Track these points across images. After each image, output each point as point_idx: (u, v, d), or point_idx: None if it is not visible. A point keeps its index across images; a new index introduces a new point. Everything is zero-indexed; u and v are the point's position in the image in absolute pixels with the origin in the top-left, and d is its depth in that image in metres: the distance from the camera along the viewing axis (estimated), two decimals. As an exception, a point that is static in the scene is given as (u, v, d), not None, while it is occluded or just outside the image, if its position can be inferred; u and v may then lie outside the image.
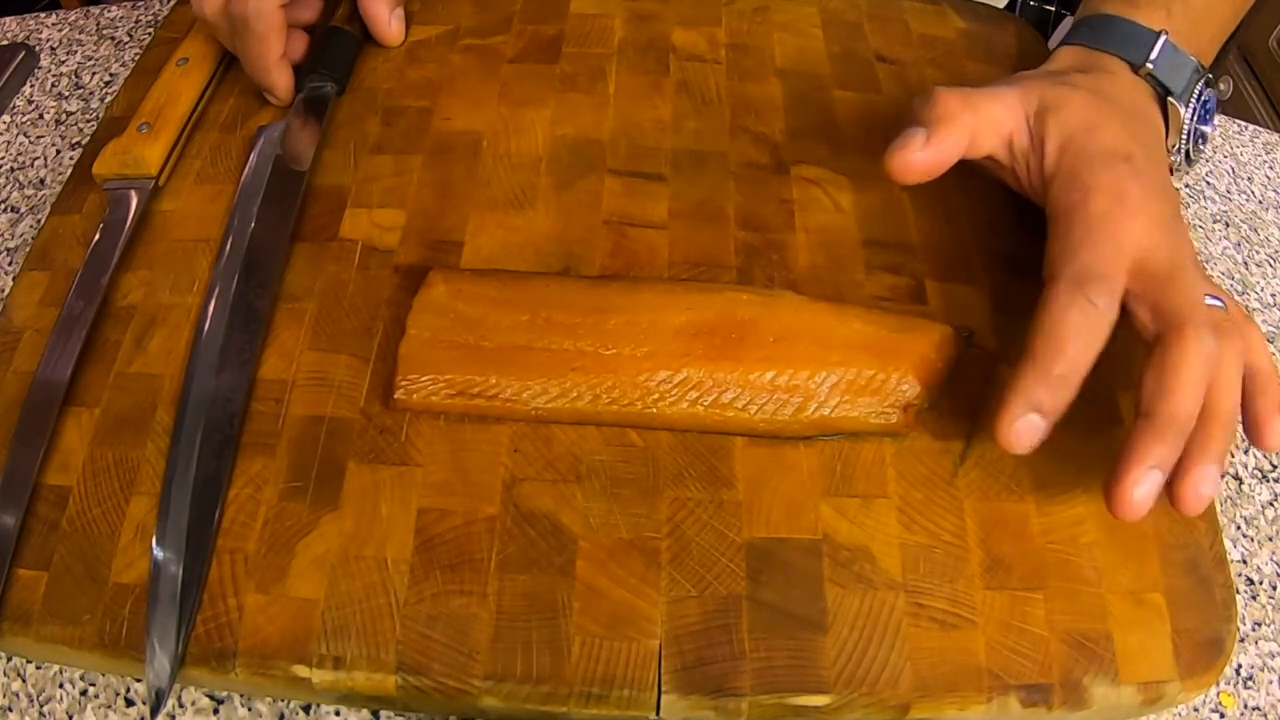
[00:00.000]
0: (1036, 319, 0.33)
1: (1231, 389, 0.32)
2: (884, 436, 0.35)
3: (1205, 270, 0.36)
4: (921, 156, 0.36)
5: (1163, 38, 0.40)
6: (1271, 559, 0.40)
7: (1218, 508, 0.35)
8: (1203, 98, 0.41)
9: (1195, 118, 0.41)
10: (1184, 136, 0.41)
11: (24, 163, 0.50)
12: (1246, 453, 0.42)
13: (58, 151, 0.50)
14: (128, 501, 0.33)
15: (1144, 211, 0.34)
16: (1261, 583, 0.39)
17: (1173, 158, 0.41)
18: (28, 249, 0.41)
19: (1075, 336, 0.32)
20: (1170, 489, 0.31)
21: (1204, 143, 0.42)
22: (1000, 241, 0.40)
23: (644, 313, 0.36)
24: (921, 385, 0.35)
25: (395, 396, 0.34)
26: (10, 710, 0.34)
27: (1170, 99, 0.40)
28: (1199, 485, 0.31)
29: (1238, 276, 0.49)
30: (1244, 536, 0.40)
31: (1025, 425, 0.31)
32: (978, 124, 0.37)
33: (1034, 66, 0.42)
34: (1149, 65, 0.40)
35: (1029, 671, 0.31)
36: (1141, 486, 0.31)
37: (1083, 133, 0.36)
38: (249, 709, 0.34)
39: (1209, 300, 0.33)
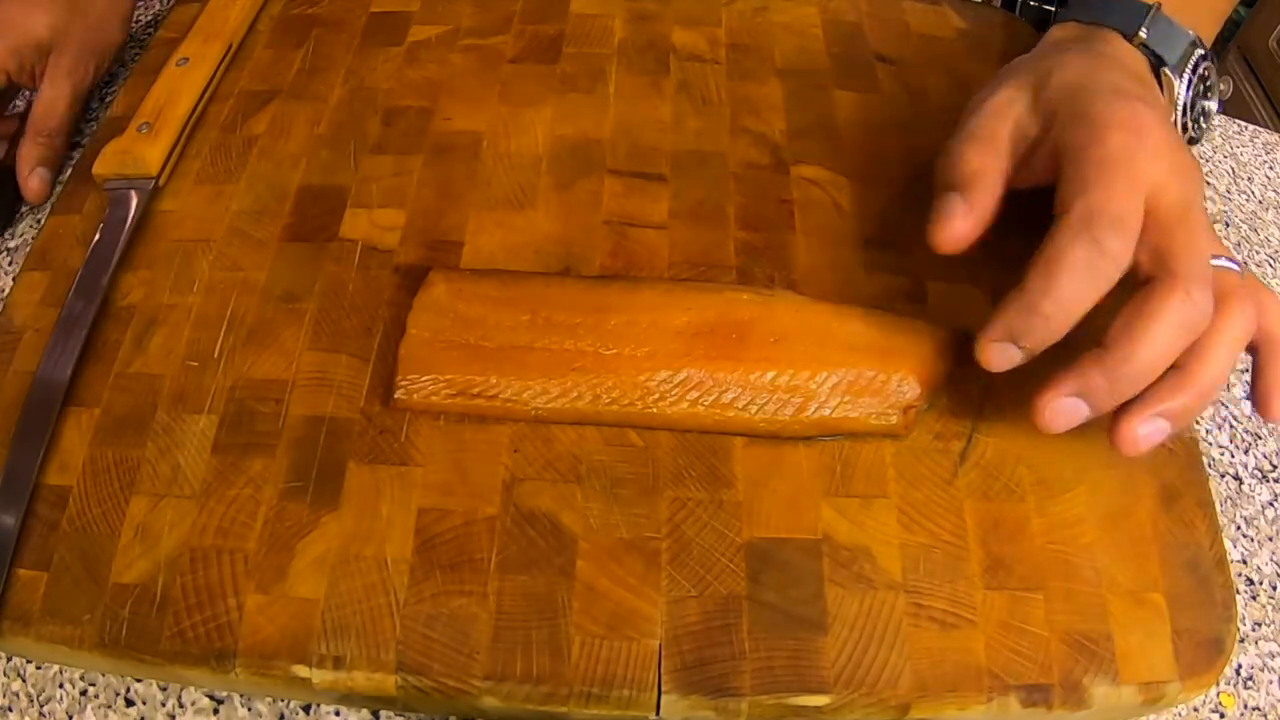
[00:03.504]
0: (1038, 251, 0.31)
1: (1216, 357, 0.31)
2: (884, 438, 0.35)
3: (1217, 233, 0.34)
4: (965, 226, 0.35)
5: (1154, 8, 0.39)
6: (1271, 559, 0.40)
7: (1218, 508, 0.35)
8: (1200, 71, 0.40)
9: (1191, 90, 0.40)
10: (1180, 109, 0.40)
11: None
12: (1247, 453, 0.42)
13: (58, 151, 0.50)
14: (128, 501, 0.33)
15: (1162, 153, 0.32)
16: (1261, 583, 0.39)
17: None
18: (28, 249, 0.41)
19: (1072, 278, 0.30)
20: (1112, 421, 0.31)
21: (1208, 120, 0.41)
22: (1001, 241, 0.40)
23: (644, 313, 0.36)
24: (921, 386, 0.35)
25: (395, 396, 0.34)
26: (10, 710, 0.34)
27: (1165, 70, 0.39)
28: (1138, 427, 0.31)
29: (1238, 276, 0.49)
30: (1244, 536, 0.40)
31: (999, 351, 0.32)
32: (1006, 162, 0.35)
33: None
34: (1142, 34, 0.39)
35: (1029, 671, 0.31)
36: (1059, 408, 0.31)
37: (1087, 78, 0.35)
38: (249, 709, 0.34)
39: (1217, 261, 0.32)
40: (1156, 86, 0.38)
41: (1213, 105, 0.41)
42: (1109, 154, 0.32)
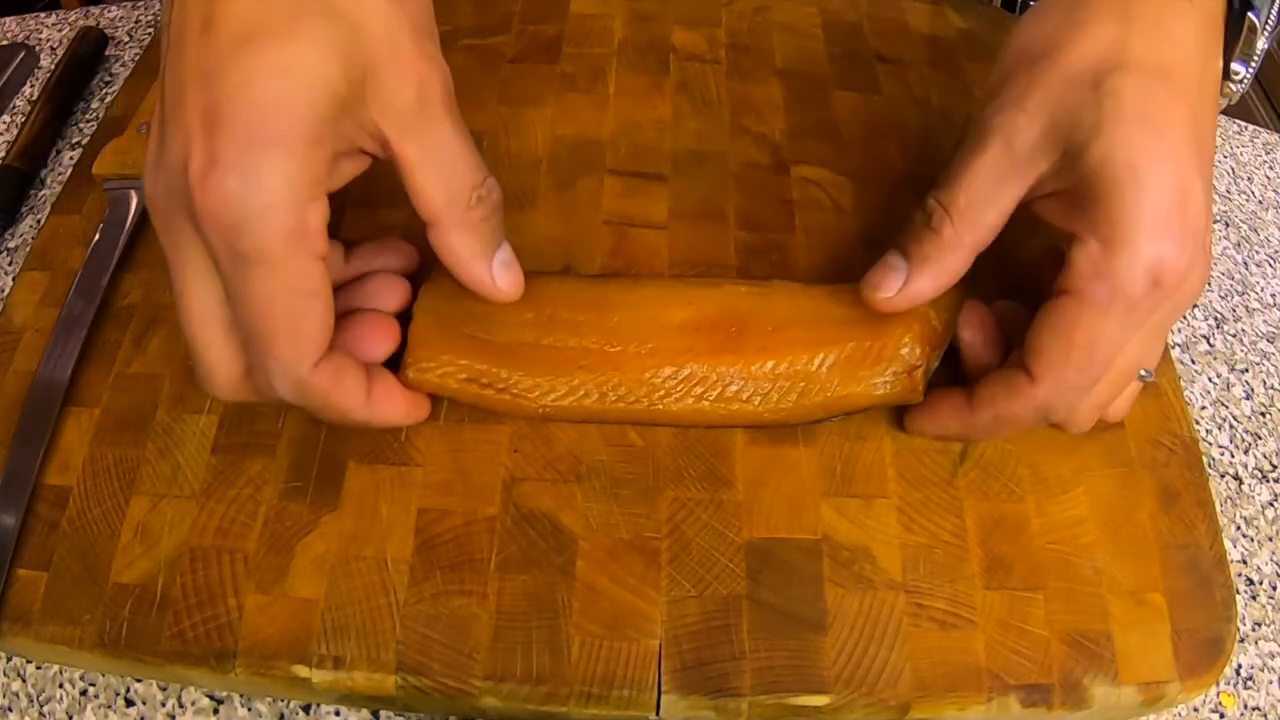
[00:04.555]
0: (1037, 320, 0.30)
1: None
2: (896, 407, 0.34)
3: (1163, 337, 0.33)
4: (896, 299, 0.33)
5: None
6: (1271, 559, 0.40)
7: (1218, 508, 0.35)
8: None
9: (1272, 34, 0.34)
10: (1258, 56, 0.34)
11: (24, 163, 0.50)
12: (1247, 453, 0.42)
13: (58, 151, 0.50)
14: (128, 501, 0.33)
15: (1188, 200, 0.29)
16: (1261, 583, 0.39)
17: (1232, 85, 0.35)
18: (28, 249, 0.41)
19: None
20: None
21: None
22: (1002, 241, 0.40)
23: (645, 309, 0.36)
24: (923, 347, 0.34)
25: (409, 375, 0.33)
26: (10, 710, 0.34)
27: (1250, 14, 0.33)
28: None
29: (1238, 276, 0.49)
30: (1244, 536, 0.40)
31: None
32: (982, 237, 0.32)
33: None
34: None
35: (1029, 671, 0.31)
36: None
37: (1110, 57, 0.30)
38: (249, 709, 0.34)
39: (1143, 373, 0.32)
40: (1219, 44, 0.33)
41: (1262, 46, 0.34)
42: (1141, 223, 0.28)
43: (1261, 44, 0.34)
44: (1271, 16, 0.33)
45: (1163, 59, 0.30)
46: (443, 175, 0.30)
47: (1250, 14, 0.33)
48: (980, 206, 0.32)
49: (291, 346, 0.28)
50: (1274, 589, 0.39)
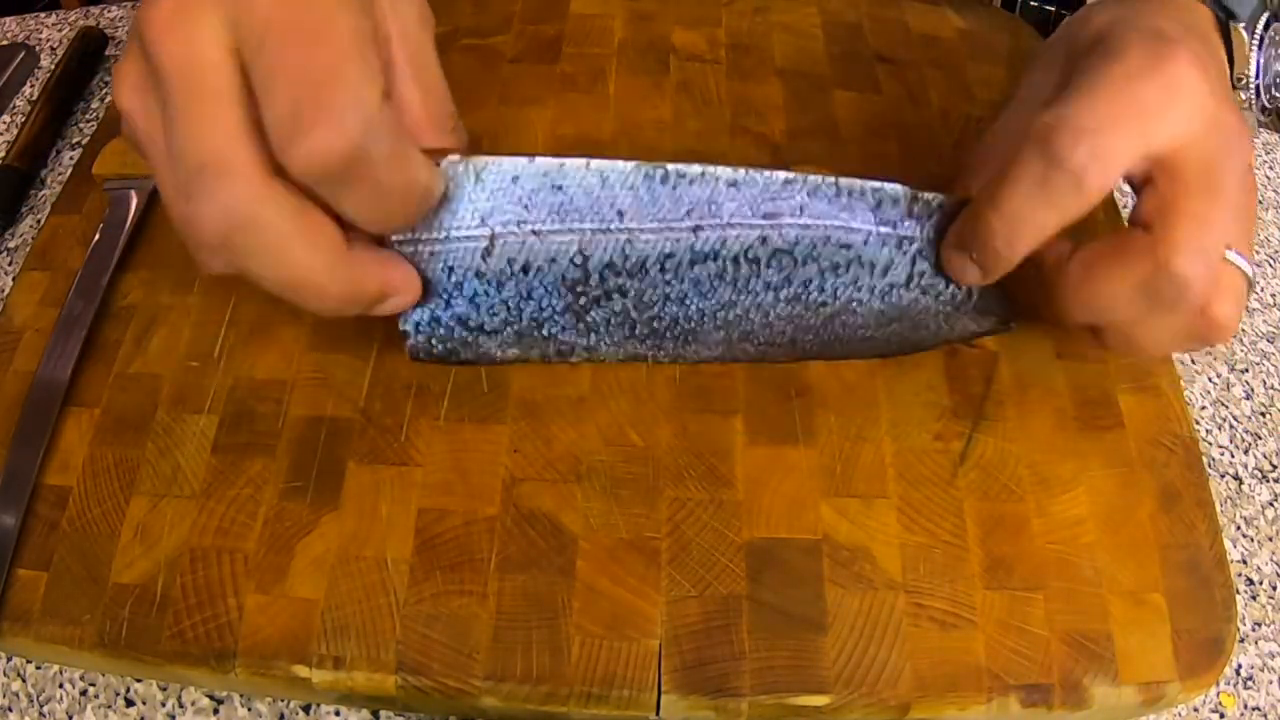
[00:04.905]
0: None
1: (1153, 336, 0.29)
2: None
3: (1253, 219, 0.30)
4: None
5: None
6: (1271, 559, 0.40)
7: (1218, 508, 0.35)
8: (1272, 31, 0.35)
9: (1264, 51, 0.35)
10: (1253, 72, 0.35)
11: (24, 163, 0.50)
12: (1247, 453, 0.42)
13: (58, 151, 0.50)
14: (128, 501, 0.33)
15: (1193, 100, 0.27)
16: (1261, 583, 0.39)
17: (1241, 96, 0.35)
18: (28, 249, 0.41)
19: (1017, 189, 0.27)
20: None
21: None
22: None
23: None
24: None
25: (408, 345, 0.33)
26: (10, 710, 0.34)
27: (1235, 26, 0.34)
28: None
29: (1238, 276, 0.49)
30: (1244, 536, 0.40)
31: (956, 259, 0.31)
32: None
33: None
34: None
35: (1029, 671, 0.31)
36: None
37: (1120, 20, 0.30)
38: (249, 709, 0.34)
39: (1230, 254, 0.28)
40: (1219, 44, 0.33)
41: None
42: (1110, 78, 0.27)
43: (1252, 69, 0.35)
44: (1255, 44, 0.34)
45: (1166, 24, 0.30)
46: (428, 91, 0.30)
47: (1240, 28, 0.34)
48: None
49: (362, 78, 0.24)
50: (1274, 589, 0.39)
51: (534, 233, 0.29)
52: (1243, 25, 0.35)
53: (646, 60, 0.47)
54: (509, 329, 0.31)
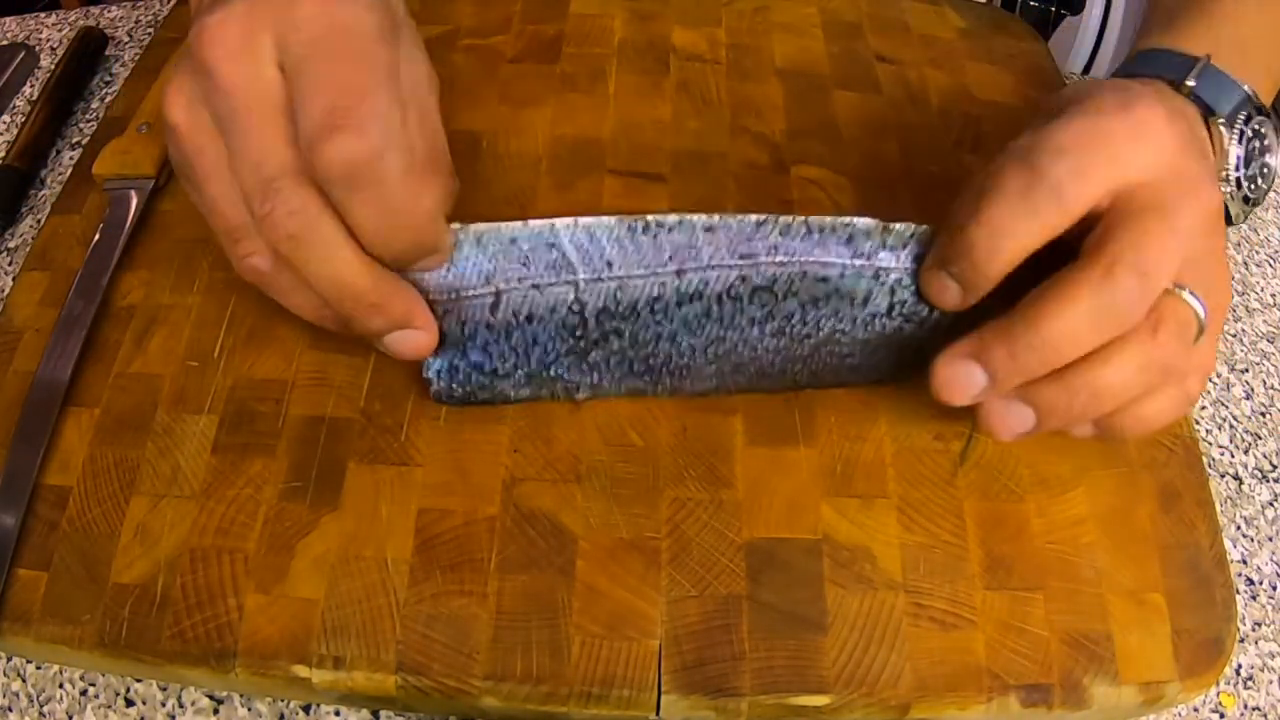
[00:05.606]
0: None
1: (1113, 365, 0.28)
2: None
3: (1212, 279, 0.30)
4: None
5: (1204, 59, 0.37)
6: (1271, 559, 0.40)
7: (1218, 508, 0.35)
8: (1254, 124, 0.37)
9: (1245, 145, 0.37)
10: (1234, 163, 0.37)
11: (24, 163, 0.50)
12: (1247, 453, 0.42)
13: (58, 151, 0.50)
14: (128, 501, 0.33)
15: (1159, 149, 0.29)
16: (1261, 583, 0.39)
17: (1223, 188, 0.37)
18: (28, 249, 0.41)
19: (999, 202, 0.28)
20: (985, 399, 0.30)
21: (1268, 180, 0.37)
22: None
23: None
24: None
25: None
26: (10, 710, 0.34)
27: (1215, 121, 0.36)
28: (1005, 416, 0.30)
29: (1238, 276, 0.49)
30: (1244, 536, 0.40)
31: (935, 279, 0.30)
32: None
33: (1033, 66, 0.41)
34: (1190, 83, 0.36)
35: (1029, 671, 0.31)
36: (954, 372, 0.29)
37: (1099, 86, 0.31)
38: (249, 709, 0.34)
39: (1184, 292, 0.29)
40: (1197, 120, 0.35)
41: (1274, 161, 0.37)
42: (1084, 113, 0.29)
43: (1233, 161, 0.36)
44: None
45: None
46: (430, 142, 0.33)
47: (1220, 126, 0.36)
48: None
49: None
50: (1274, 589, 0.39)
51: (534, 286, 0.32)
52: (1221, 121, 0.37)
53: (646, 60, 0.47)
54: (519, 371, 0.34)
